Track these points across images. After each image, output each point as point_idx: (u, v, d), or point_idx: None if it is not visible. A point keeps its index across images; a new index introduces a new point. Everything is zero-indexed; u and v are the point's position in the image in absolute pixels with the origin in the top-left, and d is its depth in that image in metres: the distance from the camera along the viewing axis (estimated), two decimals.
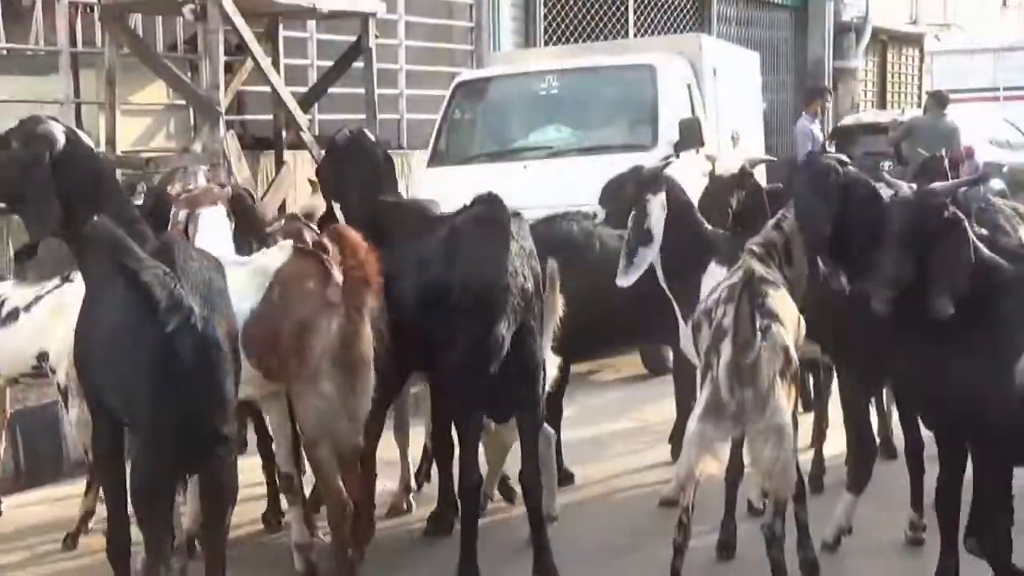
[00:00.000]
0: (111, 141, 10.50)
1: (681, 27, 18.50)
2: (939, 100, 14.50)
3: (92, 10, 11.44)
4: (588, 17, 16.97)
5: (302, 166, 12.29)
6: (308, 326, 5.15)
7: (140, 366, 4.39)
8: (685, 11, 18.91)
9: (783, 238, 5.52)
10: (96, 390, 4.85)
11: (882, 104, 24.38)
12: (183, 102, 11.34)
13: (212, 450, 4.55)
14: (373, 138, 6.47)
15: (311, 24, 13.19)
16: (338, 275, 5.19)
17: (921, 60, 26.01)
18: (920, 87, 25.05)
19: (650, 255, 6.02)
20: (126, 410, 4.61)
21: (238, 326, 4.76)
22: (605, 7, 17.22)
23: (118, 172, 10.38)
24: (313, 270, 5.23)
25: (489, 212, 5.64)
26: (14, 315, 6.24)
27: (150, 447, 4.47)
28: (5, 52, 12.29)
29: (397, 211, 6.26)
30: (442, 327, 5.47)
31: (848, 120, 18.97)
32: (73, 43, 11.02)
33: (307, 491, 6.04)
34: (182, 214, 5.84)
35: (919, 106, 19.50)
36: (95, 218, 4.77)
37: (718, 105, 12.19)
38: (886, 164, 13.56)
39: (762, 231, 5.60)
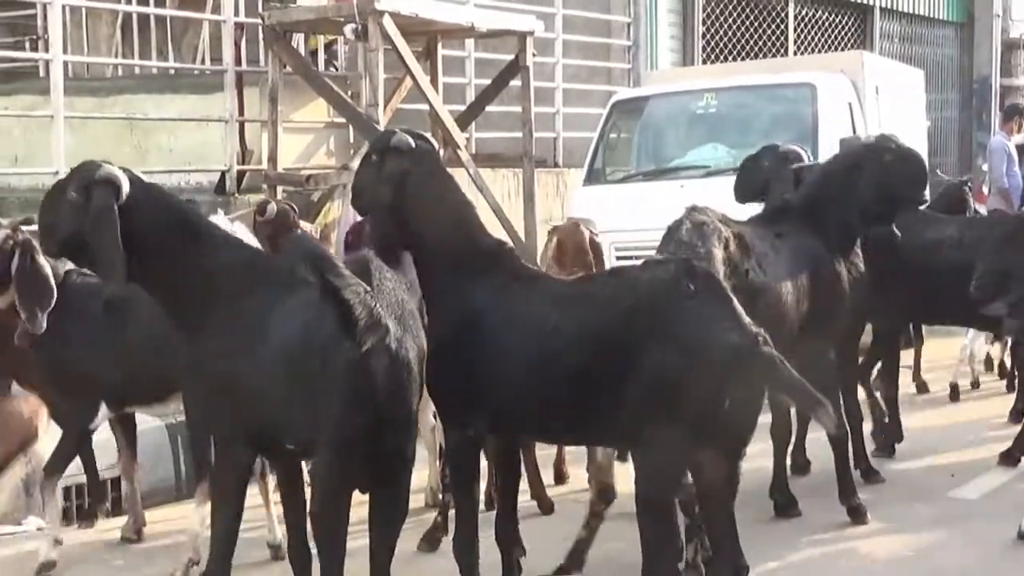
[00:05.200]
0: (273, 158, 10.68)
1: (842, 44, 18.20)
2: None
3: (257, 30, 11.70)
4: (747, 35, 16.79)
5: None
6: None
7: (332, 383, 4.32)
8: (846, 28, 18.60)
9: None
10: (249, 413, 4.64)
11: None
12: (343, 120, 11.48)
13: (395, 471, 4.53)
14: None
15: (469, 43, 13.27)
16: None
17: None
18: None
19: None
20: (306, 428, 4.47)
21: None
22: (764, 25, 17.02)
23: (279, 190, 10.71)
24: None
25: None
26: None
27: (335, 465, 4.41)
28: (173, 71, 12.62)
29: None
30: None
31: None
32: (238, 62, 11.25)
33: None
34: None
35: None
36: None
37: (881, 124, 11.94)
38: None
39: None
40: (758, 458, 6.84)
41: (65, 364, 6.06)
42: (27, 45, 14.05)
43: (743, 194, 7.75)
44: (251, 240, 6.80)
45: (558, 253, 6.85)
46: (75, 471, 6.77)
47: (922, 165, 6.94)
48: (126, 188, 4.66)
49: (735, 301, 4.65)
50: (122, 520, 6.77)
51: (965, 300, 6.44)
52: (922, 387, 10.24)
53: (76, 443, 6.28)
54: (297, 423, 4.52)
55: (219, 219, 6.85)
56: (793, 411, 6.73)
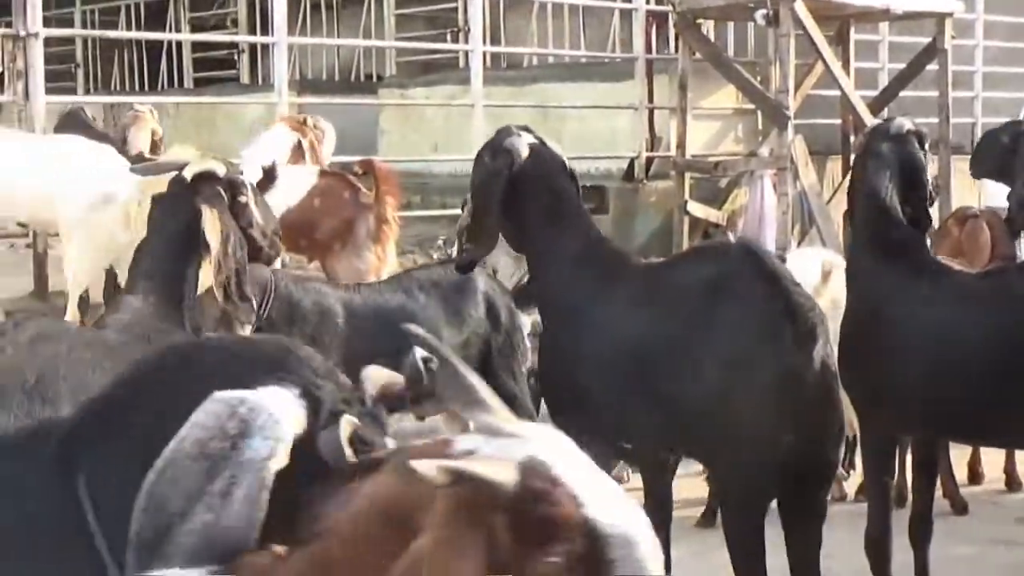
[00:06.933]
0: (681, 145, 10.75)
1: None
2: None
3: (667, 18, 11.82)
4: None
5: None
6: None
7: (763, 393, 4.04)
8: None
9: None
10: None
11: None
12: (751, 106, 11.42)
13: (817, 482, 4.25)
14: None
15: (883, 26, 12.92)
16: None
17: None
18: None
19: None
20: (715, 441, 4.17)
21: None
22: None
23: (687, 176, 10.77)
24: None
25: None
26: None
27: (758, 482, 4.11)
28: (584, 60, 12.91)
29: None
30: None
31: None
32: (648, 50, 11.39)
33: None
34: None
35: None
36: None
37: None
38: None
39: None
40: None
41: None
42: (448, 37, 14.71)
43: (978, 169, 7.30)
44: None
45: (992, 237, 6.60)
46: None
47: None
48: (520, 160, 4.66)
49: None
50: None
51: None
52: None
53: None
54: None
55: None
56: None
